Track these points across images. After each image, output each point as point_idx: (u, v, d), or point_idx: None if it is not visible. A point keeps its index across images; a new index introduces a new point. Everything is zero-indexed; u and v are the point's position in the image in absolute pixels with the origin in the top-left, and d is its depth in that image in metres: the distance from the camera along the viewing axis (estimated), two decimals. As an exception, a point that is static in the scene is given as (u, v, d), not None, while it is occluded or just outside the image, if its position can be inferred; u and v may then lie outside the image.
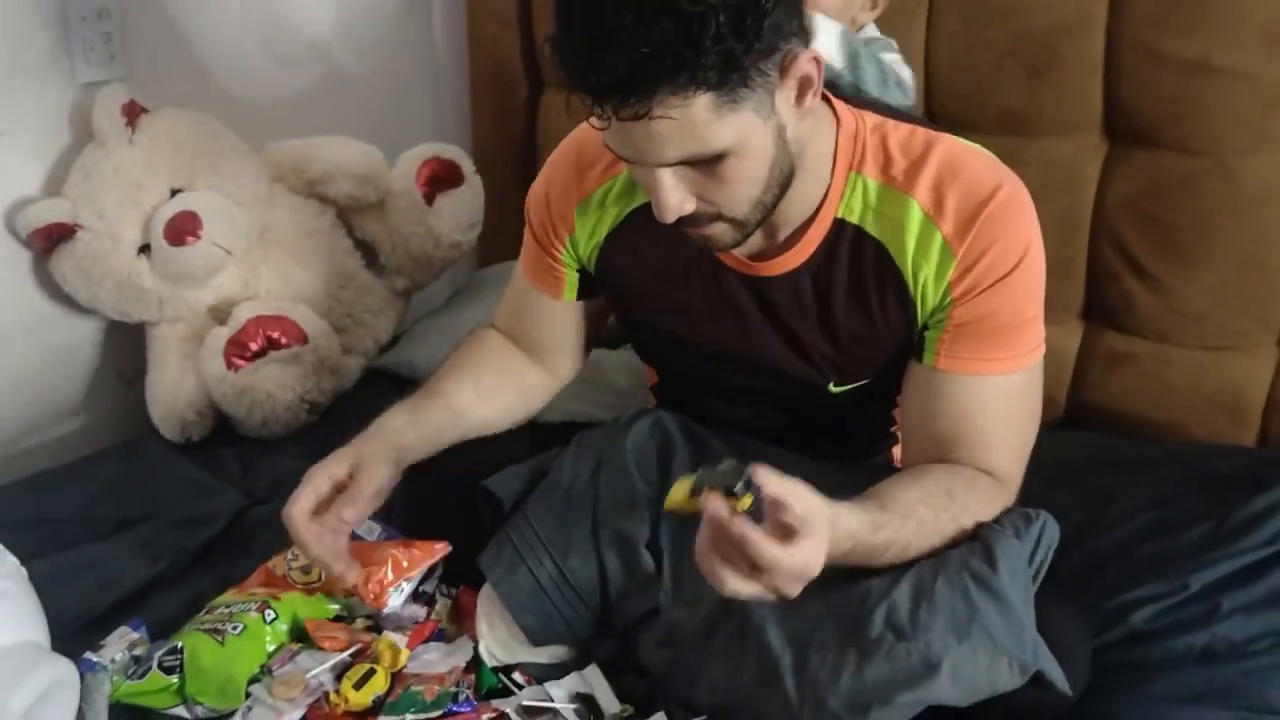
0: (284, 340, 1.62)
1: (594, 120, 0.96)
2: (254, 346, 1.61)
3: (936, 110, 1.65)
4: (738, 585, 0.88)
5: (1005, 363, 1.08)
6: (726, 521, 0.86)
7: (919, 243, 1.06)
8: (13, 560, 1.11)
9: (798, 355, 1.16)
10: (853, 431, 1.28)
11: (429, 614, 1.20)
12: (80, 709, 1.07)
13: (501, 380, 1.28)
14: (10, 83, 1.56)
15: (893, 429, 1.27)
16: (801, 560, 0.87)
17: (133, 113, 1.61)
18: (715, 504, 0.87)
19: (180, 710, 1.10)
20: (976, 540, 1.03)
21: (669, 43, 0.88)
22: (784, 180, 1.04)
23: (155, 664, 1.10)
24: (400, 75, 2.07)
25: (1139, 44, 1.51)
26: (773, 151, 1.00)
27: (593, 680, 1.11)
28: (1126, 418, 1.62)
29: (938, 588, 0.98)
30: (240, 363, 1.60)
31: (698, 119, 0.93)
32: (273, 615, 1.16)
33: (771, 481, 0.88)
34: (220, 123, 1.71)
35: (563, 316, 1.29)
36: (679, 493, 0.91)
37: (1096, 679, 1.07)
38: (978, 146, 1.10)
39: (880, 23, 1.46)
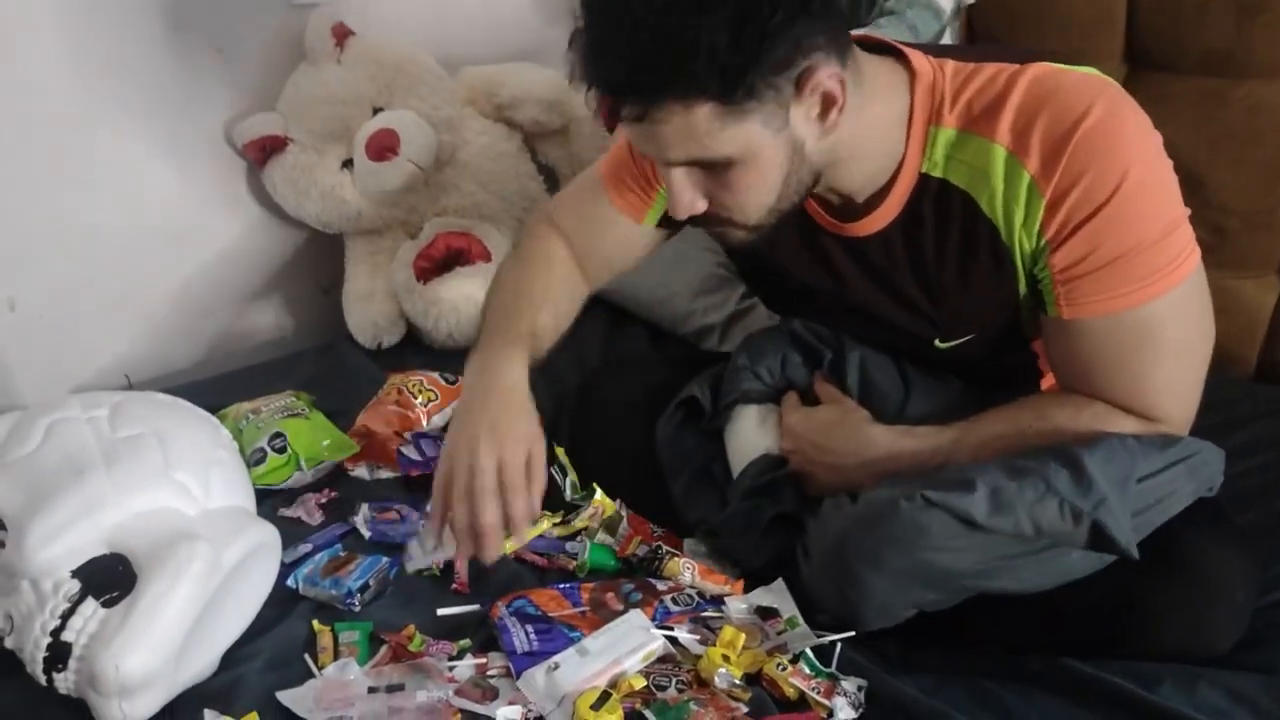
0: (469, 256, 1.69)
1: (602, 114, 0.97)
2: (441, 261, 1.68)
3: (1136, 51, 1.59)
4: None
5: (1132, 295, 0.98)
6: None
7: (1007, 186, 0.99)
8: (226, 433, 1.22)
9: (902, 308, 1.13)
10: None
11: None
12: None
13: (573, 308, 1.29)
14: (230, 4, 1.67)
15: (1026, 385, 1.21)
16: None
17: (341, 34, 1.71)
18: None
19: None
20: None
21: (663, 53, 0.88)
22: (804, 188, 1.01)
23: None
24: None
25: (1362, -18, 1.42)
26: (785, 164, 0.97)
27: (778, 594, 1.13)
28: (1320, 380, 1.54)
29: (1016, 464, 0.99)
30: (428, 276, 1.68)
31: (699, 126, 0.92)
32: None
33: None
34: (419, 46, 1.78)
35: (633, 237, 1.26)
36: None
37: (1263, 631, 1.05)
38: (1082, 68, 1.00)
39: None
